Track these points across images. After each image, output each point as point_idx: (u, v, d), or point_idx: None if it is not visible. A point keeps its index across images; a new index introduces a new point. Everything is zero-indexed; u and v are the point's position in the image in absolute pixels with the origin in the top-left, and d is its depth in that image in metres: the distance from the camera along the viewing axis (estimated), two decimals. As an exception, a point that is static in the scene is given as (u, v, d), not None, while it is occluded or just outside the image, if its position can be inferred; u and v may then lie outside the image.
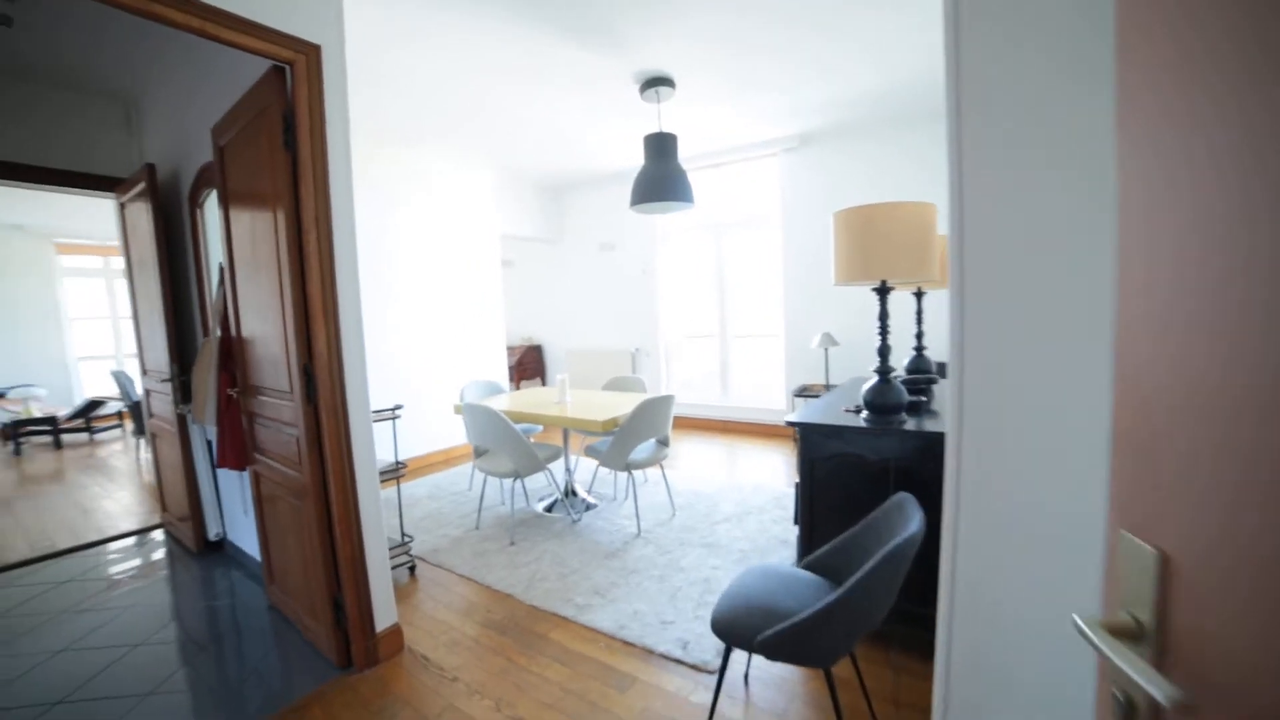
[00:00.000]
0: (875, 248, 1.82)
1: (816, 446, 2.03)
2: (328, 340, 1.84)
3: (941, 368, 3.16)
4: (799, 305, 5.15)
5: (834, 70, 3.52)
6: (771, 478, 4.18)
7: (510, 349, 7.02)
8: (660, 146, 3.52)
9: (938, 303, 4.09)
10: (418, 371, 4.82)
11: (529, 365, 6.96)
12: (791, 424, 2.06)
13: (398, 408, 2.70)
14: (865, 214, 1.84)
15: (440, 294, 5.00)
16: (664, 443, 3.38)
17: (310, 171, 1.76)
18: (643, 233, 6.03)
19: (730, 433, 5.56)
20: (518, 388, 6.91)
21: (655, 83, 3.47)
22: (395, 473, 2.73)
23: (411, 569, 2.79)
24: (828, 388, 4.76)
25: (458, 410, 3.51)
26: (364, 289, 4.36)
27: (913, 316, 2.85)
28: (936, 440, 1.80)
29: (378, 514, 2.05)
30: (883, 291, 1.97)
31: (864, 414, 2.04)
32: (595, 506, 3.61)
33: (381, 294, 4.55)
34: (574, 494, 3.66)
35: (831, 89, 3.84)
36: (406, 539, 2.81)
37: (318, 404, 1.84)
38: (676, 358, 6.16)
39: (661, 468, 3.39)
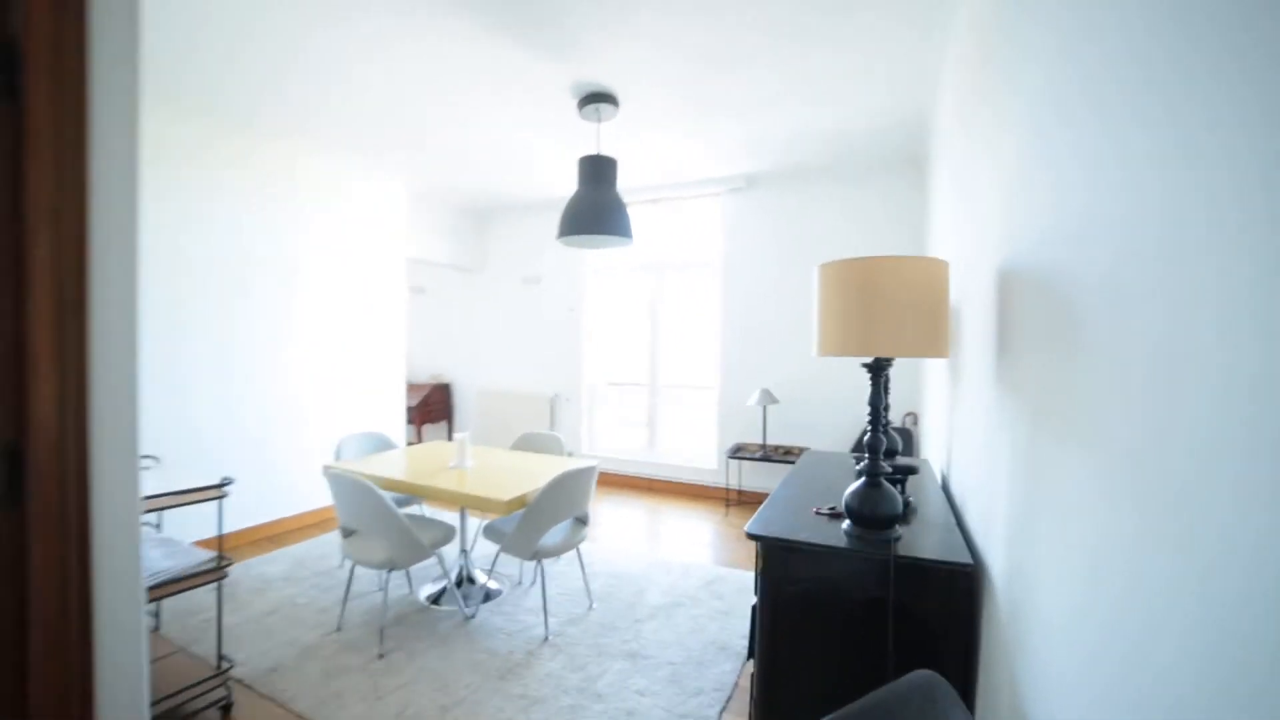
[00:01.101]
0: (877, 313, 1.39)
1: (783, 566, 1.55)
2: (61, 402, 1.16)
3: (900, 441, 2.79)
4: (737, 358, 4.78)
5: (801, 99, 3.21)
6: (703, 554, 3.67)
7: (415, 386, 6.21)
8: (597, 171, 3.05)
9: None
10: (300, 413, 3.98)
11: (435, 406, 6.17)
12: (752, 536, 1.57)
13: (224, 484, 1.97)
14: (863, 270, 1.42)
15: (336, 322, 4.22)
16: (583, 521, 2.81)
17: (50, 137, 1.12)
18: (571, 268, 5.53)
19: (656, 492, 5.04)
20: (419, 434, 6.09)
21: (596, 99, 3.02)
22: (214, 571, 1.98)
23: (226, 708, 2.02)
24: (764, 448, 4.37)
25: (328, 469, 2.78)
26: (243, 315, 3.56)
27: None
28: (951, 574, 1.36)
29: (139, 678, 1.33)
30: (877, 370, 1.55)
31: (846, 524, 1.58)
32: (497, 595, 2.95)
33: (275, 323, 3.75)
34: (470, 580, 2.98)
35: (794, 123, 3.53)
36: (224, 664, 2.04)
37: (26, 510, 1.14)
38: (600, 406, 5.62)
39: (578, 549, 2.82)
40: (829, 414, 4.45)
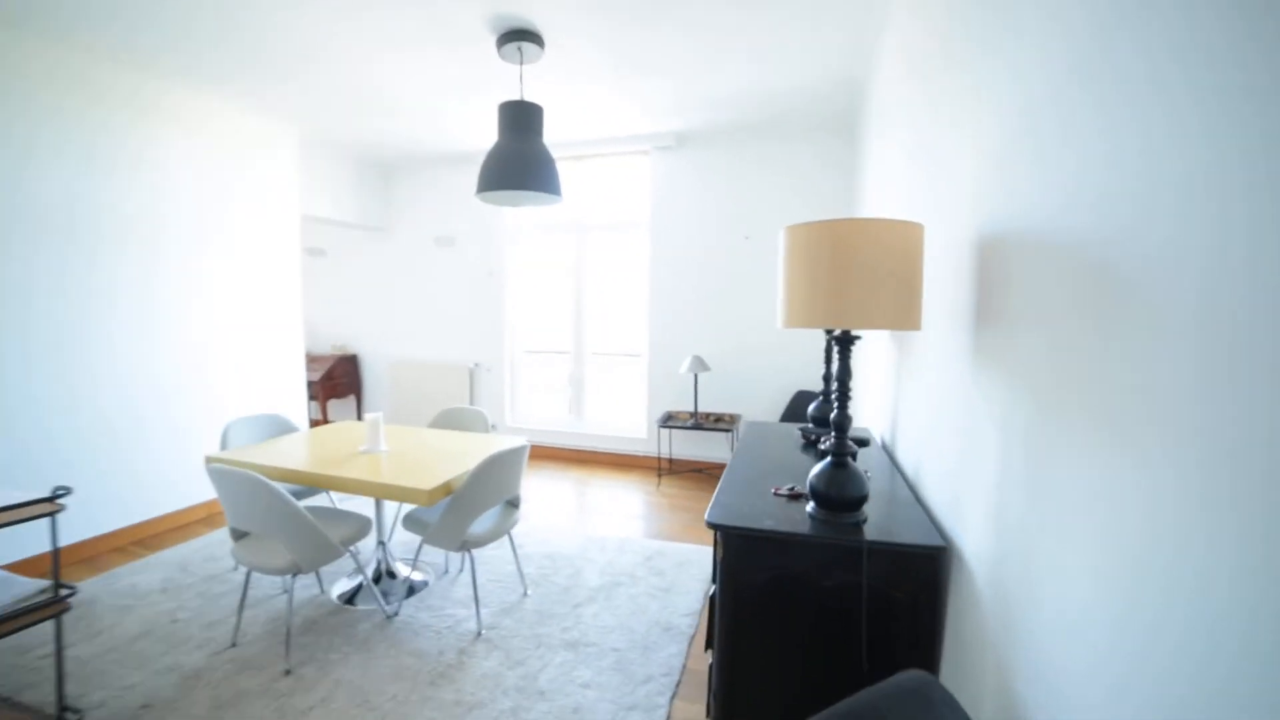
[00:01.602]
0: (849, 281, 1.27)
1: (745, 555, 1.44)
2: None
3: None
4: (666, 324, 4.66)
5: (735, 57, 3.02)
6: (638, 527, 3.58)
7: (316, 359, 5.63)
8: (521, 119, 2.73)
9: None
10: (175, 394, 3.43)
11: (340, 379, 5.63)
12: (714, 526, 1.44)
13: (58, 494, 1.59)
14: (835, 232, 1.28)
15: (214, 288, 3.64)
16: (514, 504, 2.60)
17: None
18: (490, 228, 5.13)
19: (585, 464, 4.89)
20: (323, 410, 5.55)
21: (518, 36, 2.68)
22: (50, 606, 1.61)
23: (85, 759, 1.68)
24: (695, 416, 4.32)
25: (211, 461, 2.38)
26: (95, 274, 2.97)
27: (807, 347, 2.39)
28: (925, 558, 1.30)
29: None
30: (846, 342, 1.44)
31: (810, 506, 1.49)
32: (421, 588, 2.70)
33: (138, 290, 3.14)
34: (390, 575, 2.71)
35: (727, 81, 3.35)
36: (67, 715, 1.68)
37: None
38: (523, 376, 5.34)
39: (510, 534, 2.61)
40: (759, 382, 4.45)
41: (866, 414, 2.72)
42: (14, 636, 1.97)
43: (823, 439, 2.24)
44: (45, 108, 2.83)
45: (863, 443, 1.96)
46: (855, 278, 1.27)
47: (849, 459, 1.46)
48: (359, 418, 5.90)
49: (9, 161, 2.71)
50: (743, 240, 4.44)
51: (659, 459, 4.66)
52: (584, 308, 5.02)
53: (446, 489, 2.14)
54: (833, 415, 1.48)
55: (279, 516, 1.99)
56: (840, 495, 1.43)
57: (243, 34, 2.76)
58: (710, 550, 3.16)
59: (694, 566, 3.00)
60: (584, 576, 2.88)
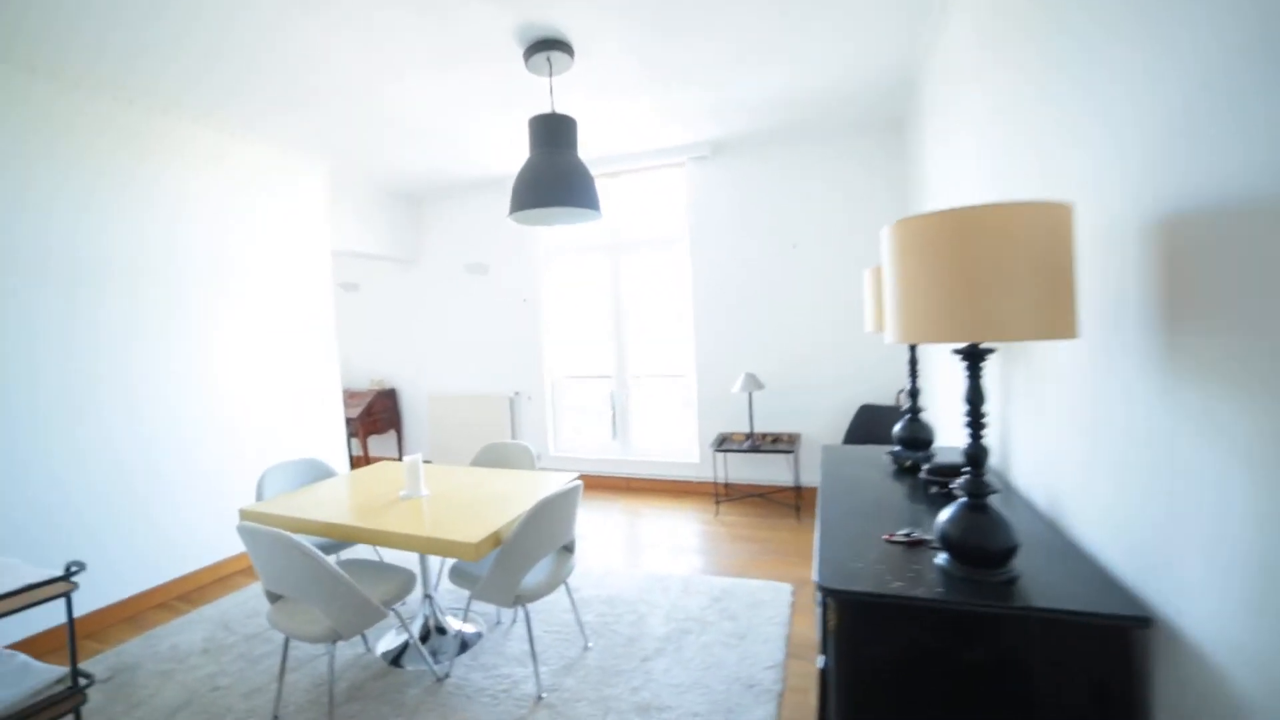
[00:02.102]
0: (982, 283, 1.00)
1: (866, 627, 1.16)
2: None
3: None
4: (713, 340, 4.40)
5: (779, 58, 2.80)
6: (699, 562, 3.30)
7: (355, 394, 5.56)
8: (553, 132, 2.55)
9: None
10: (212, 440, 3.34)
11: (380, 415, 5.54)
12: (827, 590, 1.17)
13: (72, 572, 1.43)
14: (959, 224, 1.02)
15: (242, 327, 3.56)
16: (569, 549, 2.37)
17: None
18: (522, 252, 4.99)
19: (633, 492, 4.64)
20: (364, 446, 5.45)
21: (547, 46, 2.51)
22: (65, 700, 1.44)
23: None
24: (751, 437, 4.03)
25: (248, 518, 2.23)
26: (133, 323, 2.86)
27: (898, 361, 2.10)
28: (1114, 631, 1.00)
29: None
30: (975, 357, 1.16)
31: (942, 559, 1.21)
32: (474, 641, 2.48)
33: (165, 336, 3.07)
34: (440, 630, 2.49)
35: (767, 86, 3.16)
36: None
37: None
38: (565, 403, 5.14)
39: (565, 582, 2.36)
40: (818, 397, 4.14)
41: (947, 430, 2.40)
42: None
43: (920, 466, 1.95)
44: (73, 153, 2.79)
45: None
46: (989, 278, 1.00)
47: (988, 502, 1.18)
48: (400, 454, 5.80)
49: (7, 201, 2.59)
50: (790, 249, 4.17)
51: (715, 484, 4.38)
52: (624, 329, 4.81)
53: (495, 539, 1.92)
54: (965, 447, 1.20)
55: (312, 579, 1.80)
56: (982, 547, 1.15)
57: (265, 71, 2.67)
58: (786, 590, 2.86)
59: (768, 607, 2.71)
60: (648, 623, 2.62)
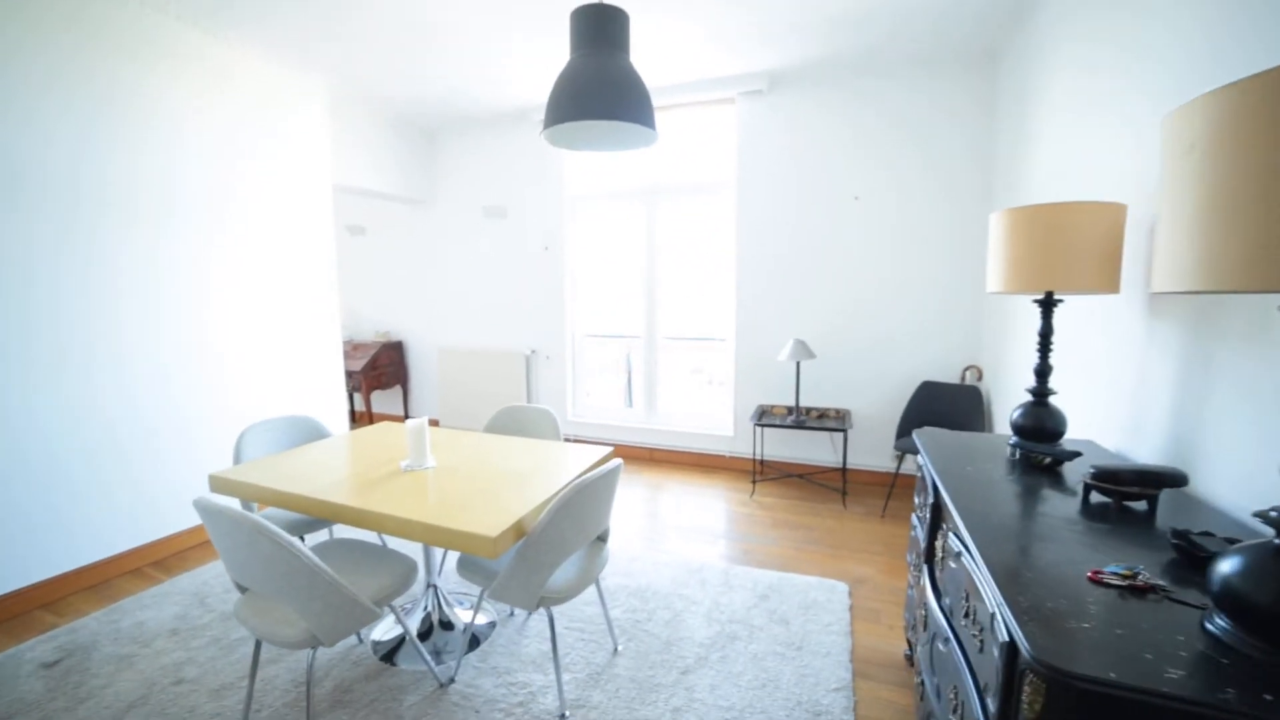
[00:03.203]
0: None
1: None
2: None
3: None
4: (756, 302, 3.93)
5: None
6: (738, 550, 2.91)
7: (359, 346, 5.17)
8: (602, 28, 2.04)
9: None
10: (198, 390, 2.95)
11: (385, 369, 5.15)
12: (1054, 672, 0.75)
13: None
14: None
15: (235, 267, 3.13)
16: (602, 539, 1.97)
17: None
18: (545, 195, 4.49)
19: (659, 464, 4.25)
20: (367, 402, 5.08)
21: (594, -88, 1.98)
22: None
23: None
24: (795, 412, 3.60)
25: (219, 486, 1.86)
26: (111, 246, 2.43)
27: (1022, 329, 1.65)
28: None
29: None
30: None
31: (1220, 623, 0.78)
32: (485, 634, 2.12)
33: (147, 270, 2.65)
34: (445, 625, 2.13)
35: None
36: None
37: None
38: (586, 363, 4.72)
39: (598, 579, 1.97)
40: (873, 370, 3.69)
41: (1075, 412, 1.95)
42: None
43: (1060, 463, 1.53)
44: (52, 44, 2.32)
45: (1176, 480, 1.23)
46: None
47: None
48: (405, 412, 5.43)
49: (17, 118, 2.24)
50: (851, 201, 3.65)
51: (752, 461, 3.98)
52: (657, 285, 4.33)
53: (518, 530, 1.51)
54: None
55: (285, 574, 1.41)
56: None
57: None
58: (842, 591, 2.47)
59: (823, 611, 2.32)
60: (686, 624, 2.24)
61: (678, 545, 2.97)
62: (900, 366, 3.62)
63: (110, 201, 2.59)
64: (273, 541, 1.37)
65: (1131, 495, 1.23)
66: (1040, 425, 1.65)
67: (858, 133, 3.58)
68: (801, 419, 3.57)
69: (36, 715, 1.77)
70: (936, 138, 3.42)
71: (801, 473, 3.87)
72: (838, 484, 3.70)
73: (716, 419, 4.25)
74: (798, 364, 3.56)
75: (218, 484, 1.88)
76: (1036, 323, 1.63)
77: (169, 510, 2.86)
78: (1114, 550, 1.03)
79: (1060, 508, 1.25)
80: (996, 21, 2.85)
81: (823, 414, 3.68)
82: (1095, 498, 1.30)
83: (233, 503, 1.61)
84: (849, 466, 3.76)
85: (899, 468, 3.51)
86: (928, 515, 1.64)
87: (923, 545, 1.66)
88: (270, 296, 3.33)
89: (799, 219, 3.76)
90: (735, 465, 4.08)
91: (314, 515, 1.71)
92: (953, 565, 1.29)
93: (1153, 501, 1.22)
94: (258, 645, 1.70)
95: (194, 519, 2.96)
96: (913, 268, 3.54)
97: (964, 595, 1.15)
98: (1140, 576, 0.91)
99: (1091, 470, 1.29)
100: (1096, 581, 0.92)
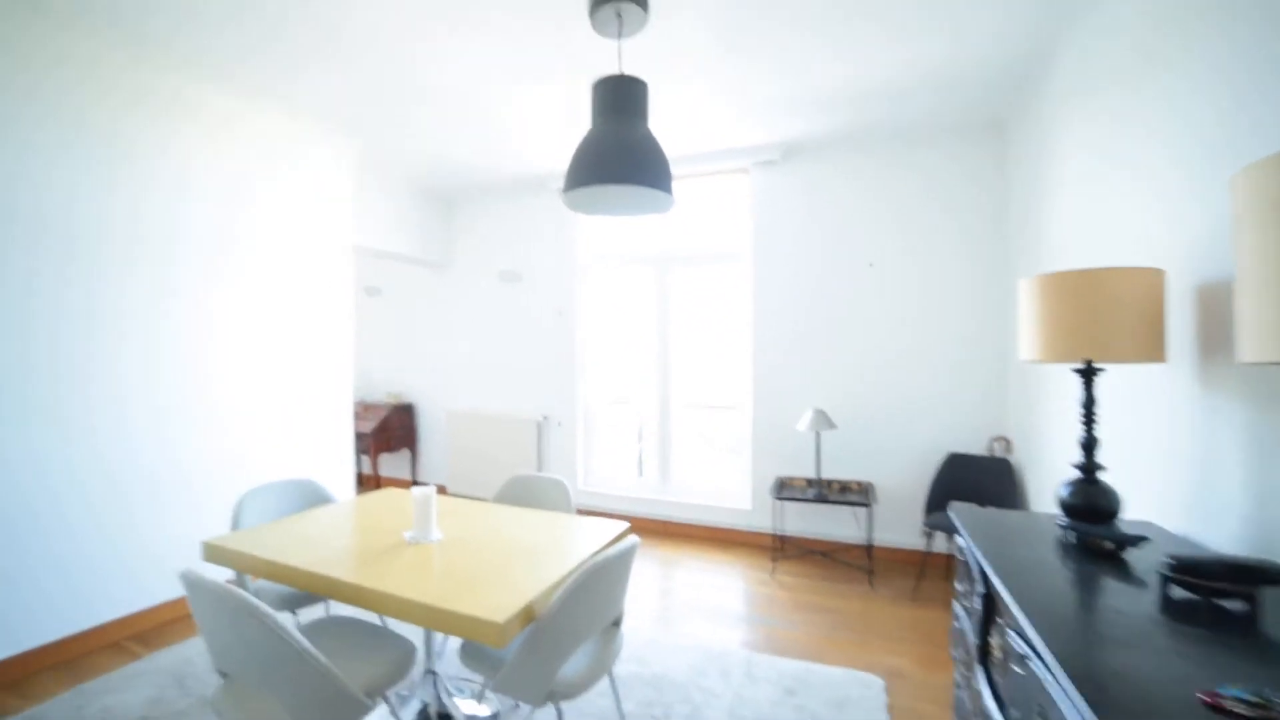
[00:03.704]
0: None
1: None
2: None
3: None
4: (773, 369, 3.86)
5: (870, 30, 2.35)
6: (759, 636, 2.70)
7: (369, 408, 5.12)
8: (623, 97, 2.09)
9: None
10: (195, 452, 2.88)
11: (395, 432, 5.07)
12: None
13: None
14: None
15: (250, 322, 3.13)
16: (617, 623, 1.82)
17: None
18: (560, 261, 4.54)
19: (674, 538, 4.06)
20: (374, 465, 4.98)
21: (620, -6, 2.08)
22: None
23: None
24: (816, 484, 3.44)
25: (212, 555, 1.75)
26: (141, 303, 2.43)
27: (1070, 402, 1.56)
28: None
29: None
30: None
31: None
32: (479, 735, 1.92)
33: (151, 314, 2.64)
34: (444, 718, 1.94)
35: (854, 69, 2.69)
36: None
37: None
38: (599, 431, 4.61)
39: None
40: (896, 441, 3.56)
41: (1125, 489, 1.81)
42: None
43: (1122, 547, 1.40)
44: (66, 105, 2.41)
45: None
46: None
47: None
48: (413, 477, 5.31)
49: (9, 156, 2.26)
50: (866, 268, 3.65)
51: (772, 536, 3.78)
52: (670, 352, 4.29)
53: (527, 615, 1.38)
54: None
55: (273, 659, 1.28)
56: None
57: (293, 22, 2.29)
58: (877, 686, 2.25)
59: (857, 710, 2.10)
60: (705, 722, 2.03)
61: (695, 628, 2.76)
62: (924, 437, 3.49)
63: (114, 244, 2.62)
64: (260, 622, 1.25)
65: (1223, 592, 1.09)
66: (1092, 504, 1.52)
67: (873, 199, 3.63)
68: (823, 492, 3.41)
69: None
70: (953, 203, 3.45)
71: (824, 549, 3.66)
72: (863, 562, 3.49)
73: (733, 491, 4.09)
74: (818, 434, 3.44)
75: (212, 552, 1.77)
76: (1071, 392, 1.54)
77: (155, 578, 2.72)
78: (1219, 663, 0.89)
79: (1135, 603, 1.12)
80: (1004, 90, 2.92)
81: (844, 486, 3.52)
82: (1175, 592, 1.16)
83: (226, 573, 1.50)
84: (874, 543, 3.56)
85: (929, 546, 3.30)
86: (978, 606, 1.48)
87: (973, 641, 1.49)
88: (282, 355, 3.31)
89: (816, 286, 3.75)
90: (753, 540, 3.88)
91: (309, 590, 1.59)
92: (1017, 670, 1.14)
93: (1251, 600, 1.08)
94: None
95: (181, 588, 2.81)
96: (933, 334, 3.48)
97: (1037, 709, 1.00)
98: (1274, 706, 0.77)
99: (1170, 561, 1.16)
100: (1215, 707, 0.78)
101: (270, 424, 3.24)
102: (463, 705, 2.01)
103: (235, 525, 2.04)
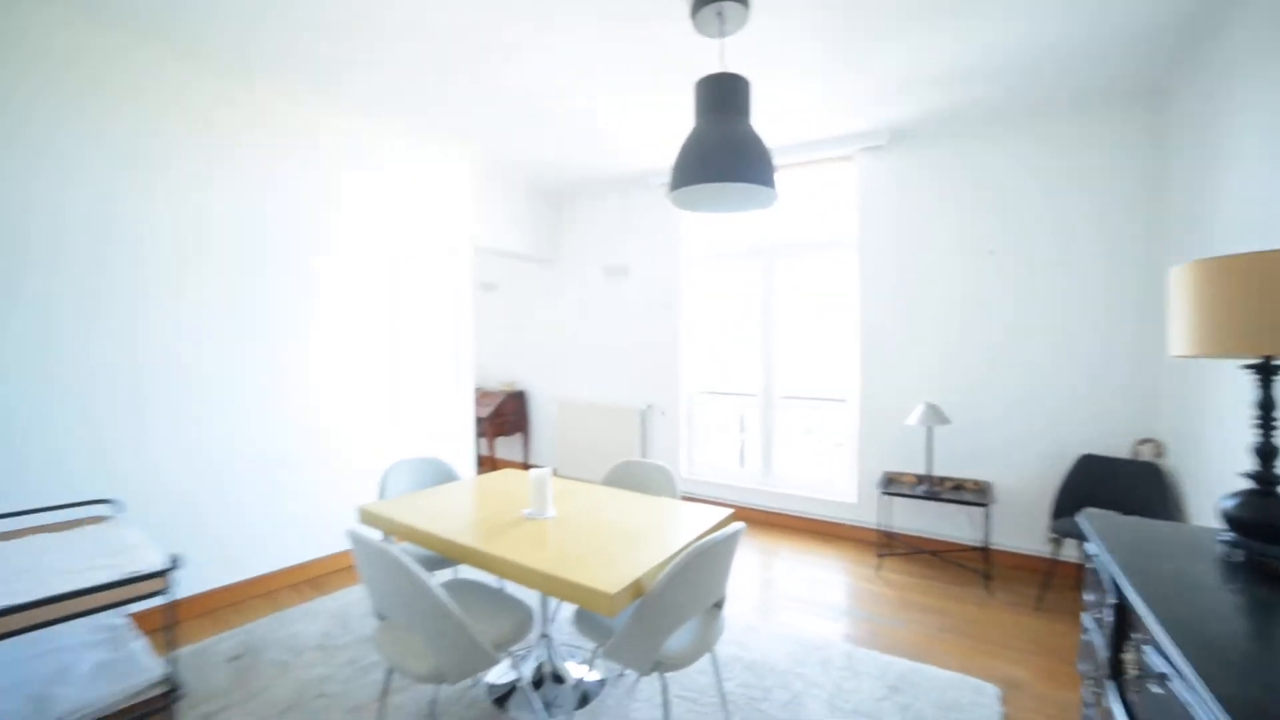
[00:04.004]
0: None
1: None
2: None
3: None
4: (882, 362, 3.72)
5: (999, 4, 2.18)
6: (863, 631, 2.66)
7: (486, 394, 5.55)
8: (726, 95, 2.13)
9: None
10: (343, 421, 3.32)
11: (509, 417, 5.46)
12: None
13: (171, 567, 1.22)
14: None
15: (385, 317, 3.53)
16: (718, 605, 1.89)
17: None
18: (664, 255, 4.64)
19: (774, 528, 4.05)
20: (490, 446, 5.39)
21: (723, -8, 2.11)
22: (155, 711, 1.23)
23: None
24: (927, 481, 3.30)
25: (367, 518, 2.04)
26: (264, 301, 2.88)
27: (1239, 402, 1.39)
28: None
29: None
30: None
31: None
32: (596, 692, 2.09)
33: (304, 318, 3.10)
34: (557, 678, 2.13)
35: (979, 41, 2.50)
36: None
37: None
38: (700, 421, 4.68)
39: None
40: (1018, 438, 3.31)
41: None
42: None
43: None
44: (229, 140, 2.86)
45: None
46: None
47: None
48: (525, 458, 5.69)
49: (185, 192, 2.70)
50: (985, 255, 3.40)
51: (877, 532, 3.68)
52: (773, 344, 4.26)
53: (635, 590, 1.50)
54: None
55: (419, 611, 1.49)
56: None
57: (411, 60, 2.55)
58: (991, 694, 2.15)
59: (967, 716, 2.03)
60: (807, 709, 2.05)
61: (795, 618, 2.78)
62: (1050, 436, 3.22)
63: (284, 258, 3.06)
64: (410, 578, 1.47)
65: None
66: (1268, 520, 1.36)
67: (993, 182, 3.37)
68: (934, 489, 3.26)
69: (222, 703, 2.04)
70: (1090, 182, 3.13)
71: (934, 548, 3.50)
72: (978, 565, 3.30)
73: (837, 484, 4.00)
74: (929, 429, 3.28)
75: (366, 516, 2.06)
76: (1244, 391, 1.38)
77: (318, 535, 3.18)
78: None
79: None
80: (1160, 55, 2.59)
81: (958, 485, 3.34)
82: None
83: (375, 534, 1.75)
84: (991, 546, 3.35)
85: (1057, 553, 3.05)
86: (1110, 619, 1.40)
87: (1103, 656, 1.41)
88: (415, 345, 3.69)
89: (927, 275, 3.56)
90: (857, 535, 3.78)
91: (445, 555, 1.81)
92: (1155, 689, 1.08)
93: None
94: (389, 674, 1.80)
95: (345, 543, 3.26)
96: (1063, 325, 3.19)
97: (1171, 727, 0.95)
98: None
99: None
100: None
101: (405, 409, 3.64)
102: (572, 669, 2.19)
103: (381, 494, 2.35)
